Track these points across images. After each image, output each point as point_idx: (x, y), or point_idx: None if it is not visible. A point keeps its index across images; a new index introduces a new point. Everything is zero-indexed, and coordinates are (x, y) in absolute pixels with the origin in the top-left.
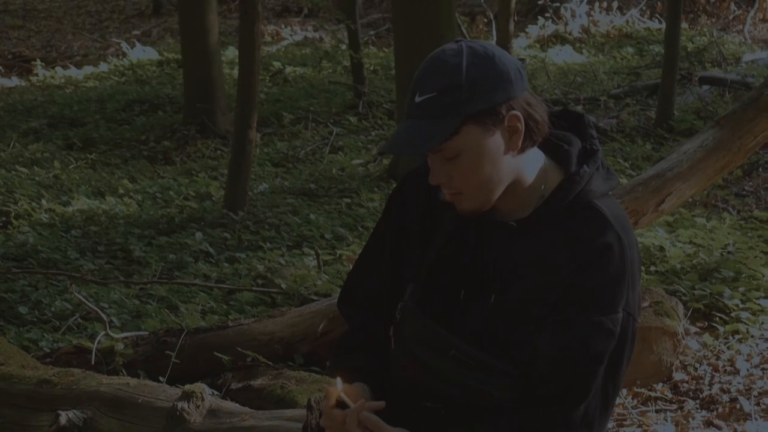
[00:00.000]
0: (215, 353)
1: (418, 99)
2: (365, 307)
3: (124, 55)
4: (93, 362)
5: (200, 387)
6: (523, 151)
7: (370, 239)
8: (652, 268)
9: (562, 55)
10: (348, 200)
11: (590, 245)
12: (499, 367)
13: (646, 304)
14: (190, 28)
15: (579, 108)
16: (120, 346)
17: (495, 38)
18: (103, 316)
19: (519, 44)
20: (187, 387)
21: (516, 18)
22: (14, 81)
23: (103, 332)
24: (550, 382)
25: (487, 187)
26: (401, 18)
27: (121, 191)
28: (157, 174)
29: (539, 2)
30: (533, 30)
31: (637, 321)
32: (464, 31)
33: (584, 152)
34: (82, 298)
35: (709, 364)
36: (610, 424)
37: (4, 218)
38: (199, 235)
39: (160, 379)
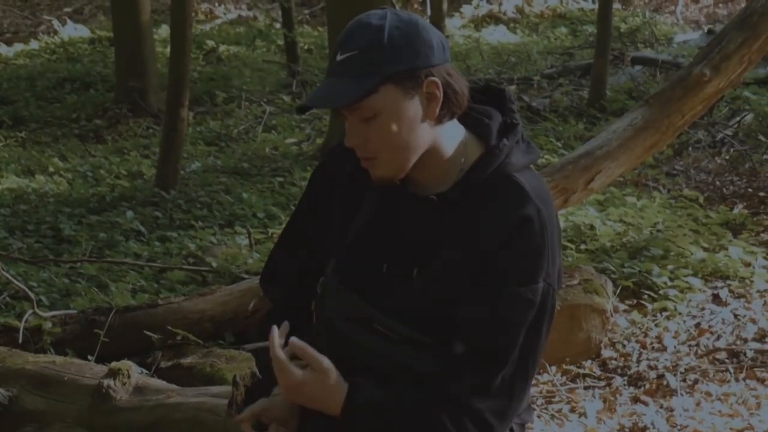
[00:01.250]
0: (145, 332)
1: (339, 57)
2: (288, 285)
3: (56, 32)
4: (20, 341)
5: (126, 365)
6: (441, 122)
7: (292, 216)
8: (582, 247)
9: (496, 35)
10: (281, 179)
11: (510, 217)
12: (421, 340)
13: (575, 281)
14: (122, 6)
15: (512, 88)
16: (48, 325)
17: (429, 17)
18: (31, 294)
19: (453, 24)
20: (114, 364)
21: None
22: None
23: (30, 311)
24: (468, 351)
25: (402, 153)
26: (338, 20)
27: (51, 170)
28: (88, 153)
29: None
30: (468, 10)
31: (557, 292)
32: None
33: (504, 126)
34: (10, 277)
35: (637, 341)
36: (539, 401)
37: None
38: (130, 213)
39: (89, 357)
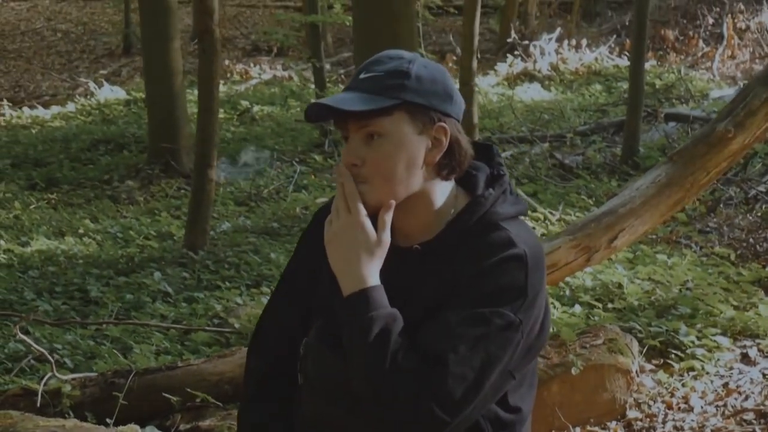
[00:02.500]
0: (164, 394)
1: (362, 76)
2: (277, 353)
3: (92, 94)
4: (39, 404)
5: (134, 428)
6: (439, 174)
7: (280, 281)
8: (610, 305)
9: (530, 93)
10: None
11: (492, 256)
12: None
13: (599, 341)
14: (154, 68)
15: (545, 145)
16: (67, 388)
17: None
18: (49, 357)
19: (488, 82)
20: (121, 429)
21: (479, 56)
22: None
23: (49, 374)
24: (419, 348)
25: (392, 185)
26: (363, 49)
27: (81, 231)
28: (119, 214)
29: (508, 40)
30: (502, 68)
31: (524, 337)
32: None
33: (491, 177)
34: (28, 340)
35: (663, 402)
36: None
37: None
38: (157, 274)
39: (108, 421)
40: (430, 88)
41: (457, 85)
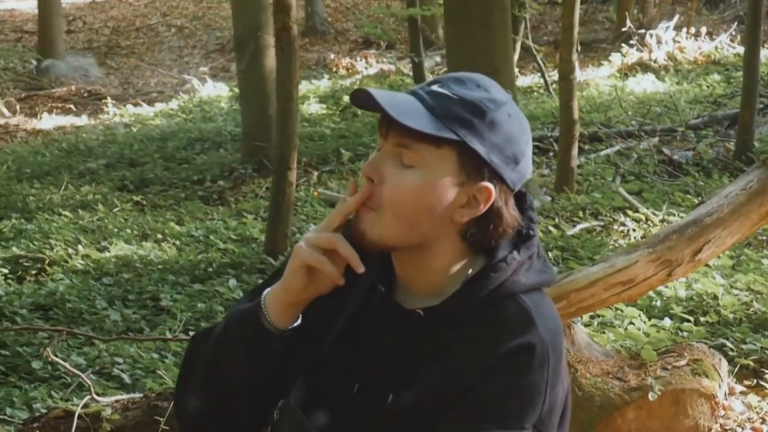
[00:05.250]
0: None
1: (435, 87)
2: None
3: (196, 91)
4: (74, 429)
5: None
6: (463, 239)
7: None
8: (702, 319)
9: (643, 84)
10: None
11: (505, 344)
12: None
13: (683, 362)
14: (247, 66)
15: (654, 140)
16: (107, 411)
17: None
18: (87, 381)
19: (601, 73)
20: None
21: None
22: (84, 119)
23: (88, 396)
24: None
25: (403, 226)
26: (455, 50)
27: (159, 236)
28: (207, 215)
29: (623, 29)
30: (616, 58)
31: None
32: (540, 60)
33: (518, 237)
34: (61, 361)
35: (752, 429)
36: None
37: (39, 265)
38: (233, 282)
39: None
40: (498, 141)
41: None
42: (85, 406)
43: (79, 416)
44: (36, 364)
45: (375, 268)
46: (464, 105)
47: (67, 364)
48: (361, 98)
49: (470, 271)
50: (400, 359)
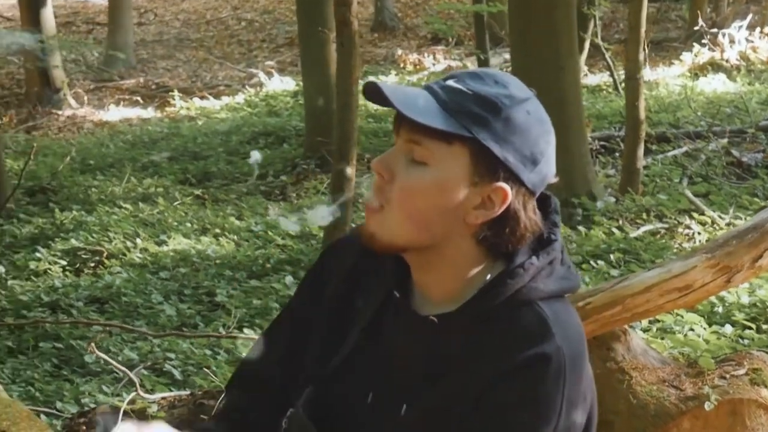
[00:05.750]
0: None
1: (451, 83)
2: (255, 391)
3: (262, 85)
4: (118, 425)
5: None
6: (478, 242)
7: (277, 317)
8: (765, 327)
9: (714, 84)
10: None
11: (520, 353)
12: None
13: (742, 371)
14: (311, 60)
15: (723, 141)
16: (153, 408)
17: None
18: (134, 377)
19: (672, 72)
20: None
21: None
22: (150, 112)
23: (133, 393)
24: None
25: (412, 226)
26: (519, 47)
27: (216, 231)
28: (267, 211)
29: (696, 28)
30: (687, 57)
31: None
32: (609, 58)
33: (539, 241)
34: (106, 357)
35: None
36: None
37: (97, 258)
38: (289, 278)
39: None
40: (515, 139)
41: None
42: (131, 402)
43: (125, 412)
44: (88, 358)
45: (391, 274)
46: (478, 101)
47: (112, 360)
48: (373, 92)
49: (488, 276)
50: (415, 368)
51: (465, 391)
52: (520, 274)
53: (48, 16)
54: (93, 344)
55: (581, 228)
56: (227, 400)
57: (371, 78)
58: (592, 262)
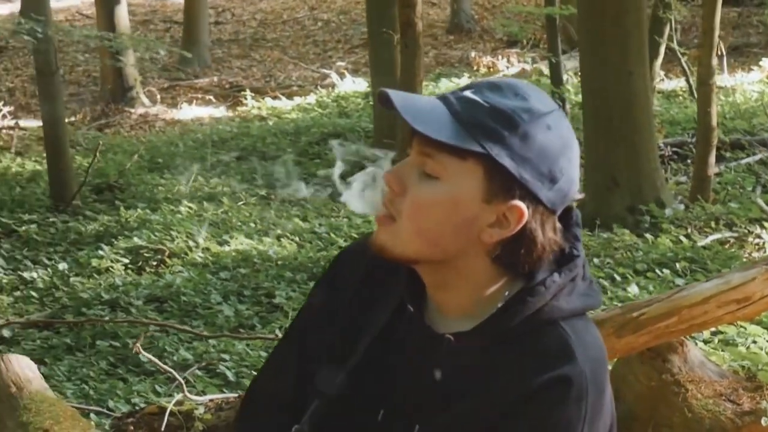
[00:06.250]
0: None
1: (468, 93)
2: (268, 416)
3: (335, 86)
4: (163, 428)
5: None
6: (493, 261)
7: (285, 333)
8: None
9: None
10: None
11: (541, 375)
12: None
13: None
14: (379, 62)
15: None
16: (200, 411)
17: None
18: (180, 378)
19: (750, 78)
20: None
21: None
22: (222, 111)
23: (180, 395)
24: None
25: (424, 241)
26: (587, 51)
27: (279, 231)
28: (333, 212)
29: None
30: (767, 63)
31: None
32: (685, 63)
33: (561, 257)
34: (153, 358)
35: None
36: None
37: (159, 257)
38: None
39: None
40: (532, 156)
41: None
42: (179, 403)
43: (173, 414)
44: (143, 358)
45: (404, 285)
46: (495, 114)
47: (159, 360)
48: (385, 101)
49: (507, 293)
50: (429, 387)
51: (483, 415)
52: (541, 292)
53: (122, 14)
54: (138, 344)
55: (648, 235)
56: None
57: (444, 80)
58: (657, 271)
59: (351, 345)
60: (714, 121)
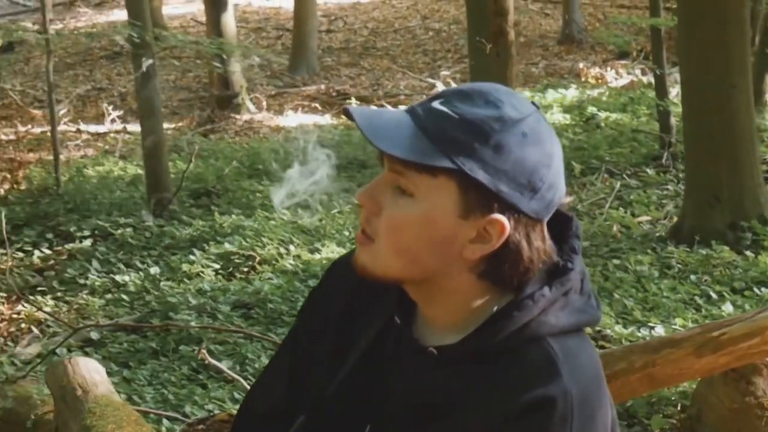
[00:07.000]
0: None
1: (436, 105)
2: (261, 427)
3: None
4: None
5: None
6: (479, 277)
7: (282, 343)
8: None
9: None
10: (616, 261)
11: (523, 395)
12: None
13: None
14: (477, 70)
15: None
16: None
17: None
18: (244, 383)
19: None
20: None
21: None
22: (327, 119)
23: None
24: None
25: (402, 260)
26: (687, 63)
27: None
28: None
29: None
30: None
31: None
32: None
33: (554, 270)
34: (219, 365)
35: None
36: None
37: (249, 263)
38: None
39: None
40: (507, 168)
41: None
42: None
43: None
44: (225, 364)
45: (393, 297)
46: (464, 126)
47: (224, 367)
48: (348, 117)
49: (495, 308)
50: (416, 401)
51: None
52: (529, 306)
53: (228, 21)
54: (204, 351)
55: (748, 253)
56: None
57: (551, 91)
58: (755, 289)
59: (341, 356)
60: None
